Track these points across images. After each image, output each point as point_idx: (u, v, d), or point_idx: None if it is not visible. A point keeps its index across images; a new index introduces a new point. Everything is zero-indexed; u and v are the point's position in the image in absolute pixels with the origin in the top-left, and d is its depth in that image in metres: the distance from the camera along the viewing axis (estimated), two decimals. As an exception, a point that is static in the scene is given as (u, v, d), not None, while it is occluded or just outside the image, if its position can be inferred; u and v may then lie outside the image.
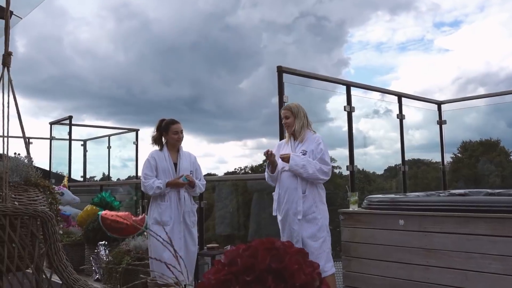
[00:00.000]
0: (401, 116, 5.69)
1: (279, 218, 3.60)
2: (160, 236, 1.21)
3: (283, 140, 3.82)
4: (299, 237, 3.43)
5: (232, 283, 0.73)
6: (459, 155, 14.25)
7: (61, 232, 5.58)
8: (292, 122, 3.64)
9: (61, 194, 6.19)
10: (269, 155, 3.56)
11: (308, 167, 3.46)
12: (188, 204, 4.06)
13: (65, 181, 6.54)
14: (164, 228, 3.86)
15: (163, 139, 4.17)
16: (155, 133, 4.17)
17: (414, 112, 6.23)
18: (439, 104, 6.27)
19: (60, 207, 6.57)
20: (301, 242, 3.43)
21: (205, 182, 4.25)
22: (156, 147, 4.17)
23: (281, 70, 4.46)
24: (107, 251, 5.02)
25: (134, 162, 9.07)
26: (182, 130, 4.13)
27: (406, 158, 5.77)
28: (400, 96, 5.73)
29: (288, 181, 3.54)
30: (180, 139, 4.11)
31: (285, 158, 3.52)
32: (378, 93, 5.87)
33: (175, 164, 4.08)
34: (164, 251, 3.82)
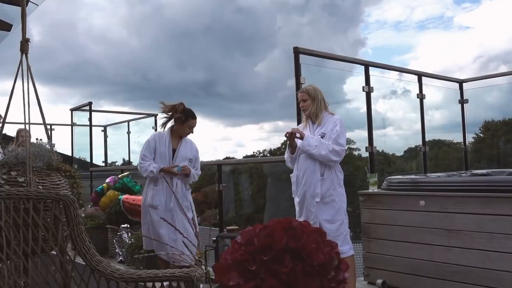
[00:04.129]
0: (421, 96, 5.59)
1: (296, 200, 3.59)
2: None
3: (301, 124, 3.78)
4: (316, 219, 3.42)
5: (249, 262, 0.73)
6: (481, 135, 14.01)
7: (83, 215, 5.71)
8: (309, 105, 3.60)
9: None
10: (291, 136, 3.52)
11: (321, 148, 3.43)
12: (180, 190, 4.01)
13: (124, 175, 6.60)
14: (155, 210, 3.90)
15: (171, 121, 4.05)
16: (169, 113, 4.02)
17: (434, 91, 6.11)
18: (460, 82, 6.14)
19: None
20: (318, 225, 3.42)
21: (200, 172, 4.18)
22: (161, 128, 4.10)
23: (297, 51, 4.41)
24: (129, 234, 5.11)
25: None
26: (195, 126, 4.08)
27: (426, 139, 5.69)
28: (420, 75, 5.62)
29: (306, 163, 3.52)
30: (190, 134, 4.07)
31: (301, 135, 3.48)
32: (396, 73, 5.77)
33: (174, 151, 4.02)
34: (161, 228, 3.86)
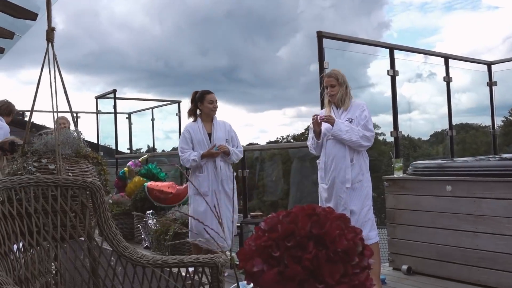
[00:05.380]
0: (448, 79, 5.47)
1: (324, 186, 3.56)
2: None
3: (323, 110, 3.73)
4: (346, 205, 3.41)
5: (273, 249, 0.73)
6: (510, 118, 13.65)
7: (110, 201, 5.81)
8: (337, 90, 3.55)
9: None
10: (317, 122, 3.46)
11: (352, 134, 3.40)
12: (225, 172, 4.13)
13: (142, 160, 6.69)
14: (204, 198, 3.95)
15: (197, 111, 4.23)
16: (191, 105, 4.24)
17: (461, 74, 5.97)
18: (489, 64, 5.98)
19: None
20: (348, 211, 3.40)
21: (242, 149, 4.30)
22: (191, 120, 4.23)
23: (321, 35, 4.36)
24: (154, 220, 5.19)
25: (177, 134, 9.20)
26: (216, 100, 4.18)
27: (453, 123, 5.58)
28: (447, 57, 5.50)
29: (335, 149, 3.48)
30: (215, 109, 4.17)
31: (330, 120, 3.43)
32: (422, 56, 5.65)
33: (209, 135, 4.14)
34: (206, 219, 3.91)
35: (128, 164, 6.45)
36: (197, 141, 4.11)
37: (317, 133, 3.55)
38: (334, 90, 3.55)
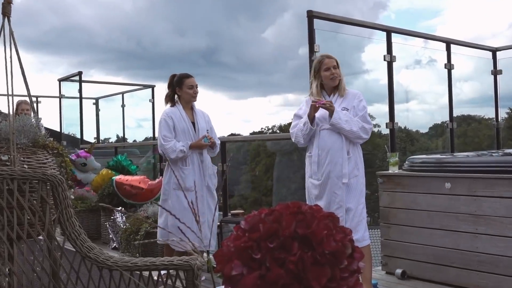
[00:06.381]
0: (449, 66, 5.53)
1: (315, 182, 3.51)
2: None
3: (307, 98, 3.65)
4: (342, 202, 3.37)
5: (253, 250, 0.73)
6: (516, 110, 13.86)
7: (72, 197, 5.76)
8: (339, 74, 3.51)
9: (83, 165, 6.23)
10: (315, 107, 3.36)
11: (352, 124, 3.38)
12: (210, 166, 4.15)
13: (90, 148, 6.54)
14: (186, 194, 3.93)
15: (176, 97, 4.20)
16: (168, 90, 4.21)
17: (463, 61, 6.05)
18: (493, 51, 6.05)
19: (80, 175, 6.57)
20: (344, 209, 3.40)
21: (219, 142, 4.31)
22: (169, 106, 4.20)
23: (311, 15, 4.36)
24: (124, 218, 5.17)
25: (151, 122, 9.16)
26: (197, 85, 4.15)
27: (454, 114, 5.65)
28: (448, 42, 5.55)
29: (330, 140, 3.44)
30: (195, 94, 4.15)
31: (330, 108, 3.32)
32: (421, 40, 5.70)
33: (193, 124, 4.13)
34: (184, 217, 3.88)
35: (70, 156, 6.24)
36: (181, 129, 4.06)
37: (311, 119, 3.46)
38: (336, 72, 3.48)
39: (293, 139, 3.63)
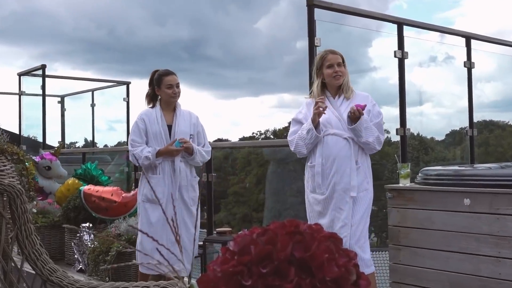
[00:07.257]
0: (469, 64, 5.57)
1: (318, 197, 3.46)
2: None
3: (310, 100, 3.63)
4: (347, 219, 3.34)
5: (244, 276, 0.74)
6: (544, 115, 14.00)
7: (34, 210, 5.74)
8: (344, 72, 3.49)
9: (47, 168, 6.22)
10: (320, 106, 3.33)
11: (369, 133, 3.33)
12: (185, 176, 4.09)
13: (57, 149, 6.52)
14: (158, 206, 3.93)
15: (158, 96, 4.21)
16: (149, 89, 4.22)
17: (485, 58, 6.11)
18: (520, 48, 6.12)
19: (43, 182, 6.55)
20: (349, 226, 3.37)
21: (210, 149, 4.29)
22: (150, 107, 4.21)
23: (312, 4, 4.38)
24: (92, 236, 5.14)
25: (125, 124, 9.15)
26: (178, 84, 4.14)
27: (474, 120, 5.68)
28: (468, 37, 5.60)
29: (336, 147, 3.39)
30: (175, 95, 4.13)
31: (358, 111, 3.26)
32: (437, 35, 5.75)
33: (170, 127, 4.11)
34: (152, 233, 3.87)
35: (34, 158, 6.22)
36: (153, 133, 4.07)
37: (315, 125, 3.41)
38: (341, 71, 3.48)
39: (292, 148, 3.59)
